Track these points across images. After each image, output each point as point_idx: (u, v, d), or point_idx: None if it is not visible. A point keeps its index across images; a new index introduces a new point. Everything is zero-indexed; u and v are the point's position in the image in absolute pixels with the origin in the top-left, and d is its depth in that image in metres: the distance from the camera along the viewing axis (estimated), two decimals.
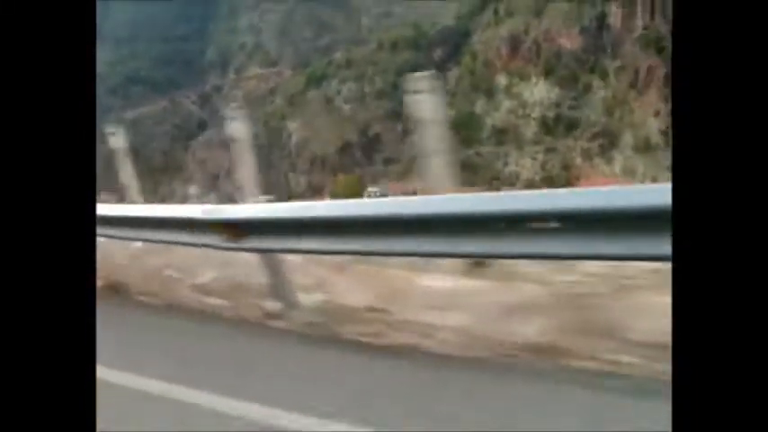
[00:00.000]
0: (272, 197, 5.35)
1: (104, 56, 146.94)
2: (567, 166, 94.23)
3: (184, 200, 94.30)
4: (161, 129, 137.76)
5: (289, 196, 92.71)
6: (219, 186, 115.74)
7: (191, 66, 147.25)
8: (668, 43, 74.07)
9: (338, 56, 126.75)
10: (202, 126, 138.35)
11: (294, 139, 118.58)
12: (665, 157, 70.94)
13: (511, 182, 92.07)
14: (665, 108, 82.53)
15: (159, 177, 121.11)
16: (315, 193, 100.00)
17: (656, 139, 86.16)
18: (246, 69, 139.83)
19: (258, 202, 5.17)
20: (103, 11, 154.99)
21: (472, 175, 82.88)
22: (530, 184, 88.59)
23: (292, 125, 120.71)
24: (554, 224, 3.26)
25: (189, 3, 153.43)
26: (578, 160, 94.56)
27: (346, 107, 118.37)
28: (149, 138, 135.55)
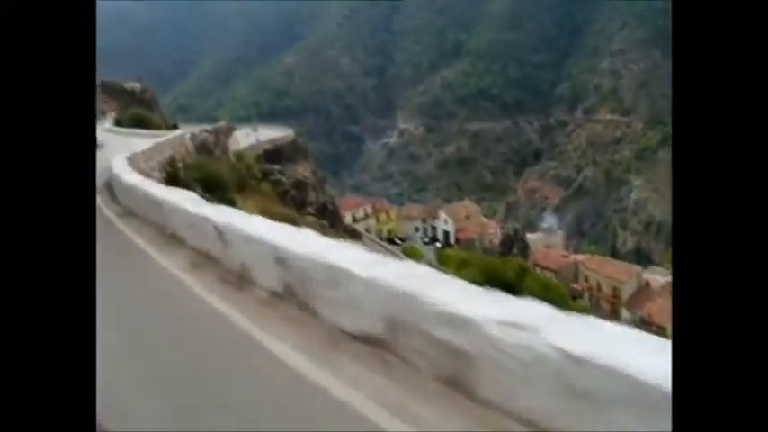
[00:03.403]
0: None
1: (461, 67, 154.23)
2: None
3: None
4: (497, 148, 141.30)
5: (612, 254, 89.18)
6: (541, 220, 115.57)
7: (540, 95, 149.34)
8: None
9: None
10: (538, 156, 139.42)
11: (633, 195, 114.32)
12: None
13: None
14: None
15: (482, 194, 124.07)
16: (640, 258, 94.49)
17: None
18: (596, 112, 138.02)
19: None
20: (466, 27, 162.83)
21: None
22: None
23: (635, 181, 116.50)
24: None
25: (554, 33, 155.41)
26: None
27: None
28: (485, 153, 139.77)
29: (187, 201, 8.88)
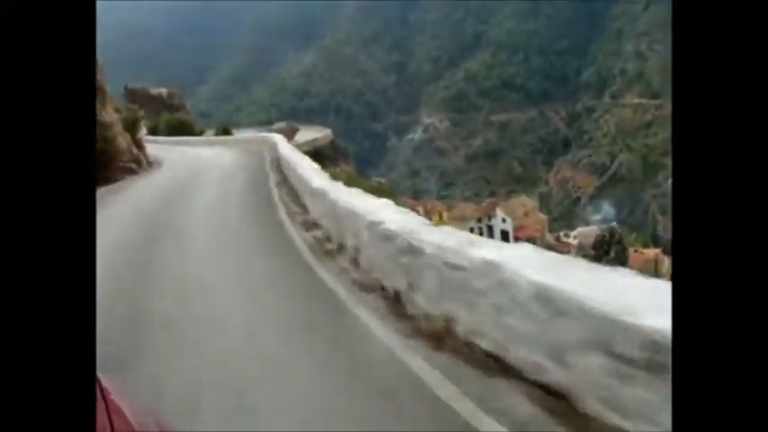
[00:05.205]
0: None
1: (483, 58, 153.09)
2: None
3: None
4: (525, 138, 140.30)
5: (653, 240, 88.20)
6: (577, 212, 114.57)
7: (565, 82, 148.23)
8: None
9: None
10: (567, 144, 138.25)
11: (672, 179, 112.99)
12: None
13: None
14: None
15: (512, 186, 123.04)
16: None
17: None
18: (623, 96, 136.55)
19: None
20: (484, 18, 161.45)
21: None
22: None
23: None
24: None
25: (574, 19, 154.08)
26: None
27: None
28: (512, 144, 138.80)
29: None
